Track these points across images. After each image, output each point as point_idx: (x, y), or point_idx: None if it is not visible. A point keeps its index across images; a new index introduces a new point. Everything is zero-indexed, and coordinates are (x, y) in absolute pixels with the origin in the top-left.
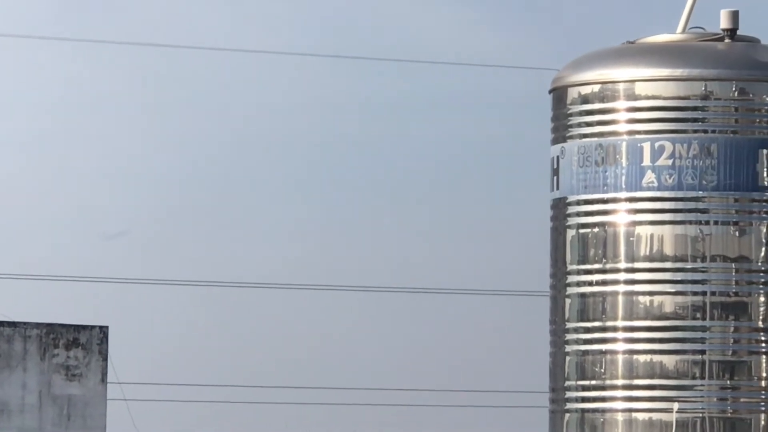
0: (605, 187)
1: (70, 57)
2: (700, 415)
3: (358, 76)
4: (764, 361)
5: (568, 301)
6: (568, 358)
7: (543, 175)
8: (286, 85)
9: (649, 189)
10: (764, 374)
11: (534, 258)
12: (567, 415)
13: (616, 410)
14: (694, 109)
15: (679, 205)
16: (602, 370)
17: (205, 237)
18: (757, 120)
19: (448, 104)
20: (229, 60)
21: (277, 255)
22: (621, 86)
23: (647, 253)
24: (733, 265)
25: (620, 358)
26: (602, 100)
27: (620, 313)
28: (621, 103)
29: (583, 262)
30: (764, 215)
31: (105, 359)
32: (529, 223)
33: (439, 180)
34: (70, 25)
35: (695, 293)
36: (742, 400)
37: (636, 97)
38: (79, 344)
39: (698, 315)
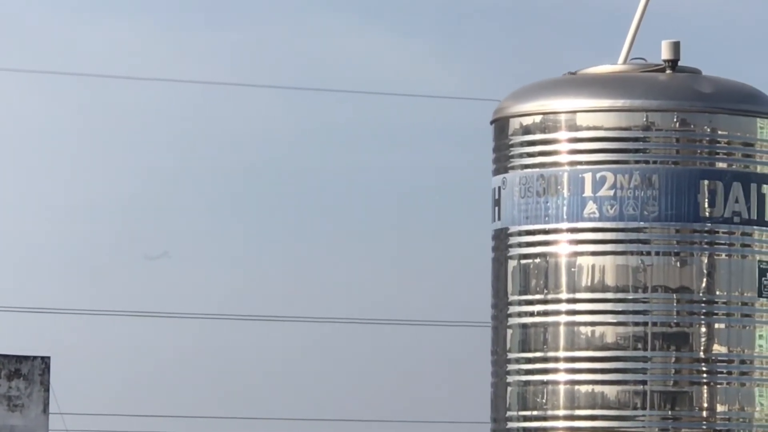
0: (547, 218)
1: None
2: None
3: (306, 107)
4: (705, 391)
5: (509, 331)
6: (509, 389)
7: (485, 205)
8: (233, 116)
9: (590, 220)
10: (705, 405)
11: (475, 288)
12: None
13: None
14: (636, 140)
15: (621, 235)
16: (544, 401)
17: (148, 266)
18: (698, 151)
19: (393, 136)
20: (167, 90)
21: (222, 285)
22: (562, 117)
23: (589, 284)
24: (675, 295)
25: (562, 388)
26: (544, 130)
27: (562, 343)
28: (562, 134)
29: (525, 293)
30: (705, 246)
31: (47, 390)
32: (470, 253)
33: (384, 211)
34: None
35: (636, 324)
36: (683, 430)
37: (577, 128)
38: (21, 375)
39: (639, 345)
